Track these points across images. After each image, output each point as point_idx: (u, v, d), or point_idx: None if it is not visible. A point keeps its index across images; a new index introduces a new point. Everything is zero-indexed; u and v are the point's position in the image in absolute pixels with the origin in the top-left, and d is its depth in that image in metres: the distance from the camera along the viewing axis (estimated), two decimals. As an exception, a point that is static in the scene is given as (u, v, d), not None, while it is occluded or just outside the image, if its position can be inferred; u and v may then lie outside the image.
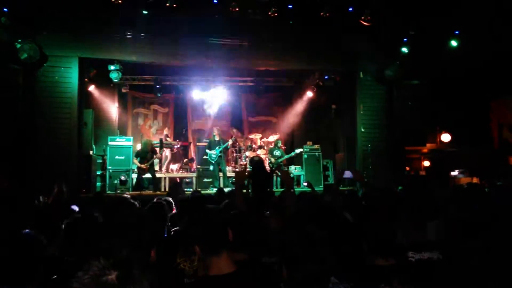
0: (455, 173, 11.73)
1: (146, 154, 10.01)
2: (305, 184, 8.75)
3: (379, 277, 2.32)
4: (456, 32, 10.01)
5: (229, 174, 11.26)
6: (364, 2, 9.44)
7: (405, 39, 10.27)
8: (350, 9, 9.53)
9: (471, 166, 11.44)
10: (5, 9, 8.24)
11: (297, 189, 10.41)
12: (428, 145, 12.82)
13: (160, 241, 2.52)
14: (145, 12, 9.11)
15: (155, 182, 10.33)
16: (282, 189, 8.81)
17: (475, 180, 10.25)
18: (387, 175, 9.90)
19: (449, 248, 2.55)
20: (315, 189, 6.24)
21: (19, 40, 8.55)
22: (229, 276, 2.00)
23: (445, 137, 12.67)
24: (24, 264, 2.37)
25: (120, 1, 8.57)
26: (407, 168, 12.02)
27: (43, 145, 8.84)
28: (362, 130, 10.54)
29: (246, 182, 5.32)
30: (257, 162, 7.13)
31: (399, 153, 10.77)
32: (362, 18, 9.51)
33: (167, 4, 8.82)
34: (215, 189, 8.55)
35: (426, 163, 13.14)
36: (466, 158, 11.80)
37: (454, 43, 10.04)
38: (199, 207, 3.26)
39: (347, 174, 4.73)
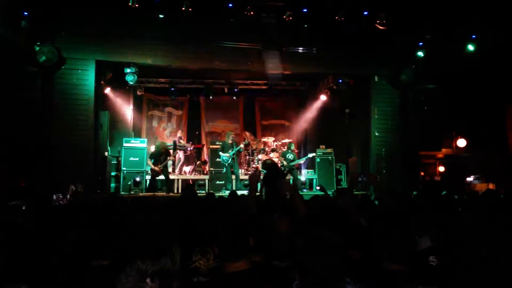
0: (470, 178, 11.56)
1: (160, 156, 10.11)
2: (318, 187, 8.74)
3: (394, 282, 2.31)
4: (473, 36, 9.90)
5: (242, 177, 11.29)
6: (380, 6, 9.41)
7: (420, 43, 10.19)
8: (365, 13, 9.51)
9: (487, 171, 11.27)
10: (25, 13, 8.42)
11: (310, 192, 10.40)
12: (443, 150, 12.66)
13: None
14: (161, 16, 9.23)
15: (169, 183, 10.42)
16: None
17: (491, 186, 10.09)
18: (401, 180, 9.82)
19: (466, 252, 2.54)
20: (328, 192, 6.22)
21: (38, 43, 8.74)
22: (244, 273, 2.03)
23: (461, 142, 12.51)
24: (41, 263, 2.43)
25: (137, 5, 8.70)
26: (422, 173, 11.89)
27: (60, 146, 9.01)
28: (376, 134, 10.48)
29: (259, 185, 5.33)
30: (270, 166, 7.13)
31: (414, 158, 10.68)
32: (378, 22, 9.48)
33: (183, 8, 8.92)
34: (227, 192, 8.58)
35: (441, 169, 12.99)
36: (482, 163, 11.62)
37: (470, 47, 9.92)
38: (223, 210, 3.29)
39: (361, 177, 4.73)
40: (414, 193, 6.57)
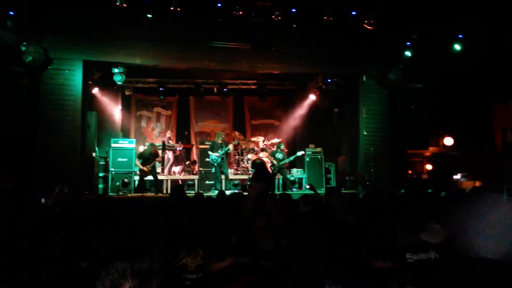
0: (457, 176, 11.71)
1: (149, 157, 10.06)
2: (308, 186, 8.77)
3: (378, 279, 2.34)
4: (460, 36, 10.02)
5: (231, 176, 11.29)
6: (368, 5, 9.48)
7: (408, 43, 10.29)
8: (353, 13, 9.57)
9: (473, 169, 11.42)
10: (11, 12, 8.31)
11: (299, 191, 10.43)
12: (430, 148, 12.80)
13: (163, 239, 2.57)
14: (149, 15, 9.18)
15: (157, 184, 10.37)
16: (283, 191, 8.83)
17: (477, 183, 10.23)
18: (389, 178, 9.90)
19: (445, 247, 2.57)
20: (318, 192, 6.25)
21: (24, 43, 8.64)
22: (228, 267, 2.04)
23: (448, 141, 12.66)
24: (28, 266, 2.41)
25: (125, 5, 8.64)
26: (410, 172, 12.00)
27: (46, 147, 8.90)
28: (365, 133, 10.56)
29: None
30: (258, 165, 7.15)
31: (402, 156, 10.78)
32: (365, 21, 9.55)
33: (171, 8, 8.88)
34: (216, 192, 8.57)
35: (429, 167, 13.13)
36: (469, 161, 11.78)
37: (457, 47, 10.05)
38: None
39: (348, 176, 4.77)
40: (402, 191, 6.63)
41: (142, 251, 1.59)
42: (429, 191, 4.43)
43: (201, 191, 9.13)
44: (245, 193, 5.25)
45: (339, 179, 4.78)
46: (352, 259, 2.65)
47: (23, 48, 8.60)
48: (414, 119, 10.91)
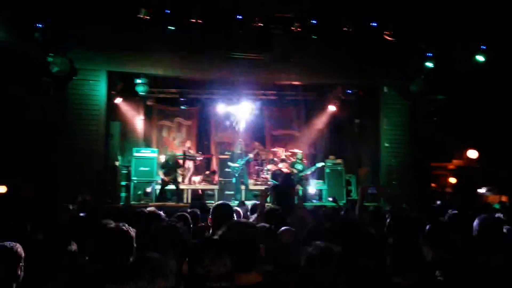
0: (482, 190, 11.41)
1: (171, 167, 10.17)
2: (330, 199, 8.70)
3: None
4: (483, 47, 9.84)
5: (251, 187, 11.27)
6: (388, 16, 9.42)
7: (429, 54, 10.16)
8: (374, 24, 9.52)
9: (499, 183, 11.11)
10: (39, 25, 8.58)
11: (319, 203, 10.35)
12: (454, 161, 12.53)
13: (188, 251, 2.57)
14: (171, 27, 9.34)
15: (178, 193, 10.45)
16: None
17: (503, 198, 9.94)
18: (412, 191, 9.72)
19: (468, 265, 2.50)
20: (340, 203, 6.19)
21: (51, 54, 8.89)
22: (256, 286, 2.02)
23: (472, 154, 12.36)
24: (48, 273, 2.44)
25: (147, 17, 8.82)
26: (433, 185, 11.76)
27: (71, 156, 9.09)
28: (386, 145, 10.42)
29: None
30: (280, 176, 7.13)
31: (425, 169, 10.58)
32: (386, 32, 9.48)
33: (193, 20, 9.01)
34: (236, 202, 8.57)
35: (453, 180, 12.83)
36: (494, 175, 11.46)
37: (480, 58, 9.86)
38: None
39: (371, 189, 4.70)
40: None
41: (158, 269, 1.61)
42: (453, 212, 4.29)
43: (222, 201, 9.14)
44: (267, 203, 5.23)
45: (361, 193, 4.72)
46: (376, 273, 2.60)
47: (50, 59, 8.85)
48: (437, 131, 10.72)
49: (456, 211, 4.32)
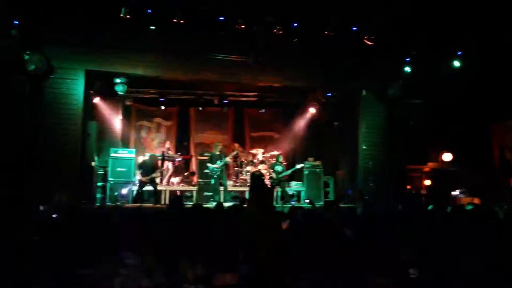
0: (456, 192, 11.69)
1: (150, 168, 10.07)
2: (307, 201, 8.80)
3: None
4: (459, 52, 10.11)
5: (229, 188, 11.28)
6: (368, 21, 9.59)
7: (407, 59, 10.38)
8: (354, 28, 9.68)
9: (472, 186, 11.41)
10: (15, 22, 8.40)
11: (297, 205, 10.42)
12: (429, 164, 12.82)
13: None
14: (152, 27, 9.27)
15: (156, 195, 10.36)
16: (284, 205, 8.83)
17: (475, 200, 10.21)
18: (388, 193, 9.91)
19: (443, 264, 2.58)
20: (316, 205, 6.27)
21: (28, 52, 8.70)
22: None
23: (447, 157, 12.67)
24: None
25: (128, 16, 8.73)
26: (408, 187, 12.00)
27: (46, 155, 8.92)
28: (364, 147, 10.59)
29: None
30: (256, 177, 7.17)
31: (400, 171, 10.80)
32: (366, 37, 9.64)
33: (174, 20, 8.98)
34: (215, 203, 8.56)
35: (427, 182, 13.11)
36: (467, 178, 11.77)
37: (456, 63, 10.12)
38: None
39: (348, 192, 4.79)
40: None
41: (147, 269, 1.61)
42: (430, 207, 4.43)
43: (199, 203, 9.11)
44: (244, 205, 5.26)
45: (338, 193, 4.79)
46: (352, 273, 2.66)
47: (27, 57, 8.67)
48: (413, 135, 10.96)
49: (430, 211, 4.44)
